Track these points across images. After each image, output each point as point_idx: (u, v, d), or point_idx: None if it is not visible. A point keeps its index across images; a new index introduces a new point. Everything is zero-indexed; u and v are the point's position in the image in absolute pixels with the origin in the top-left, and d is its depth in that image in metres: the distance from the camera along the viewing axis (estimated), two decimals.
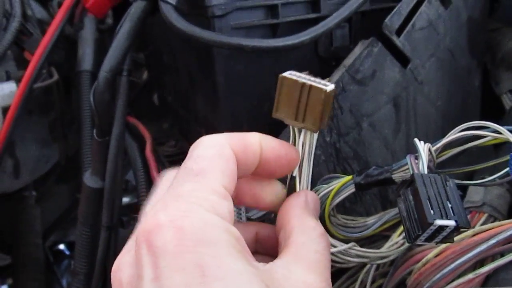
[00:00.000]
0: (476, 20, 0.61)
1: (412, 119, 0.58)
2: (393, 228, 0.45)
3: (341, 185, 0.44)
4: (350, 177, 0.44)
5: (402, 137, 0.57)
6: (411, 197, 0.34)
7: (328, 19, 0.52)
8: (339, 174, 0.45)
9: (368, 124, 0.55)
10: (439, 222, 0.31)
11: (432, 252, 0.33)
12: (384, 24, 0.53)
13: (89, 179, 0.58)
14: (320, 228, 0.32)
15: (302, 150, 0.37)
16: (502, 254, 0.33)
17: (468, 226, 0.31)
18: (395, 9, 0.54)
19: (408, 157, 0.39)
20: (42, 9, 0.91)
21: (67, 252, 1.32)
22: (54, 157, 0.94)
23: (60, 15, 0.68)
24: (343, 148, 0.54)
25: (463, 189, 0.47)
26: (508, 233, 0.31)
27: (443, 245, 0.33)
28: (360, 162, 0.55)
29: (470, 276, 0.33)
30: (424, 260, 0.33)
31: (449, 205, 0.33)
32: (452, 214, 0.32)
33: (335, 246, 0.41)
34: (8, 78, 0.77)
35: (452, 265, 0.31)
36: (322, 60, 0.58)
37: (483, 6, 0.62)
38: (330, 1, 0.55)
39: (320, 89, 0.34)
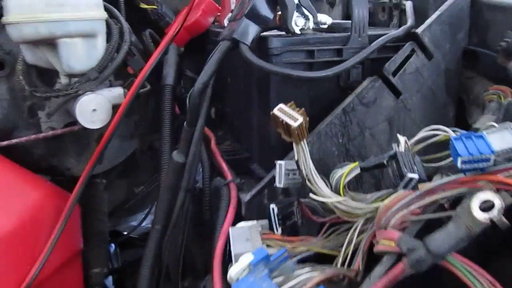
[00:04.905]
0: (452, 70, 0.86)
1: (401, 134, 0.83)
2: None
3: (350, 168, 0.65)
4: (356, 163, 0.66)
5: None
6: (394, 165, 0.59)
7: (347, 61, 0.78)
8: (348, 162, 0.68)
9: (369, 134, 0.80)
10: (410, 175, 0.56)
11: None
12: (384, 67, 0.79)
13: (177, 156, 0.83)
14: None
15: (299, 155, 0.61)
16: None
17: (425, 180, 0.55)
18: (392, 58, 0.80)
19: (393, 145, 0.63)
20: (135, 37, 1.18)
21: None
22: (129, 150, 1.18)
23: (163, 43, 0.95)
24: (350, 149, 0.79)
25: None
26: None
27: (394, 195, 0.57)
28: (362, 160, 0.79)
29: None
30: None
31: (415, 168, 0.57)
32: (416, 172, 0.56)
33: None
34: (110, 85, 1.03)
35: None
36: (341, 89, 0.84)
37: (457, 61, 0.87)
38: (350, 50, 0.81)
39: (291, 125, 0.57)
